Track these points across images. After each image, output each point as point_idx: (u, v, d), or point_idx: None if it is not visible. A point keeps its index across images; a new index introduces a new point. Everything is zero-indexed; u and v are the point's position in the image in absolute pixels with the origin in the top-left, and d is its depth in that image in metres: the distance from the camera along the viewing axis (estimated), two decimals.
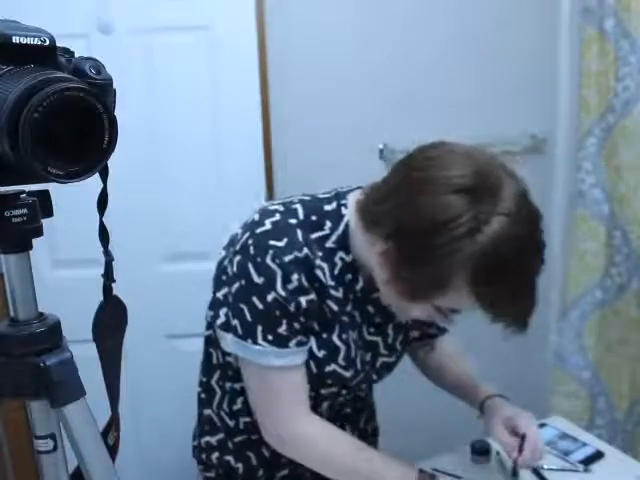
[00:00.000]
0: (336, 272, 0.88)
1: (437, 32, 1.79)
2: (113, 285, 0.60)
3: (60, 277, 1.71)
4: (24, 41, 0.45)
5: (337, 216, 0.88)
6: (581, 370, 1.87)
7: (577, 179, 1.84)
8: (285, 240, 0.83)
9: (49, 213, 0.53)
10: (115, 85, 0.51)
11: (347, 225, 0.87)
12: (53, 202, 0.53)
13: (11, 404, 0.57)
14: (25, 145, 0.42)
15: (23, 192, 0.51)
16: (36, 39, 0.46)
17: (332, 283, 0.87)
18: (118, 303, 0.61)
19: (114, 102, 0.51)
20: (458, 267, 0.72)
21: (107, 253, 0.58)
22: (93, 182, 0.51)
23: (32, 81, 0.43)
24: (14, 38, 0.45)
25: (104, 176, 0.55)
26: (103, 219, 0.57)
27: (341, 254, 0.88)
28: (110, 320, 0.61)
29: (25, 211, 0.50)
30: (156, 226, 1.72)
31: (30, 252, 0.53)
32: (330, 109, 1.80)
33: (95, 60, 0.50)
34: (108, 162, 0.48)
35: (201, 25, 1.63)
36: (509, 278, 0.72)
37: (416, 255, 0.74)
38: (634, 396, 1.84)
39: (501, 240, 0.70)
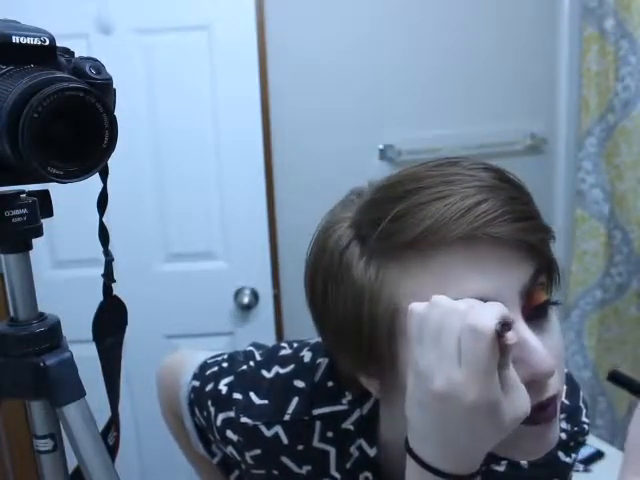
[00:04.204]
0: (348, 465, 0.65)
1: (437, 32, 1.79)
2: (113, 285, 0.60)
3: (60, 277, 1.71)
4: (24, 41, 0.45)
5: (363, 387, 0.61)
6: (581, 370, 1.88)
7: (577, 179, 1.84)
8: (265, 402, 0.66)
9: (49, 213, 0.53)
10: (115, 85, 0.51)
11: (377, 403, 0.64)
12: (53, 202, 0.53)
13: (11, 404, 0.57)
14: (25, 145, 0.41)
15: (23, 192, 0.51)
16: (36, 39, 0.46)
17: (337, 475, 0.66)
18: (118, 303, 0.61)
19: (114, 102, 0.51)
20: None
21: (107, 253, 0.58)
22: (93, 182, 0.51)
23: (32, 81, 0.43)
24: (14, 38, 0.44)
25: (104, 176, 0.55)
26: (103, 219, 0.57)
27: (361, 443, 0.65)
28: (110, 320, 0.60)
29: (25, 211, 0.50)
30: (156, 226, 1.72)
31: (30, 252, 0.53)
32: (330, 109, 1.80)
33: (95, 60, 0.50)
34: (108, 162, 0.48)
35: (201, 25, 1.63)
36: None
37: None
38: (634, 396, 1.84)
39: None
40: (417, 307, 0.47)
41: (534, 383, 0.48)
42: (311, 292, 0.58)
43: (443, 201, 0.48)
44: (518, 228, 0.49)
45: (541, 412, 0.49)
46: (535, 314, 0.51)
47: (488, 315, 0.42)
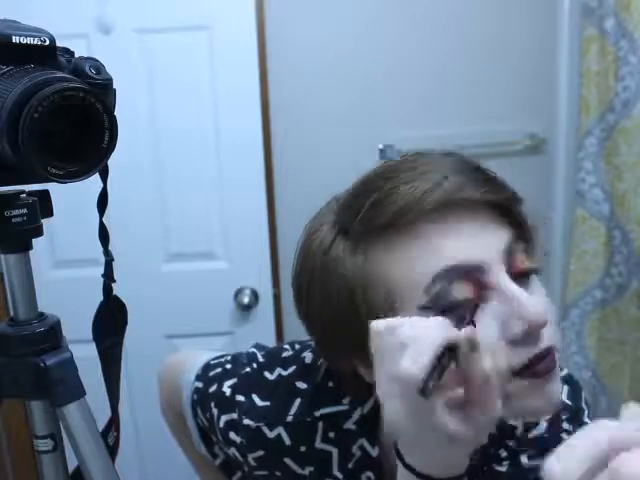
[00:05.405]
0: (350, 465, 0.65)
1: (437, 31, 1.79)
2: (113, 285, 0.60)
3: (60, 277, 1.71)
4: (24, 41, 0.45)
5: (366, 388, 0.60)
6: (581, 370, 1.87)
7: (577, 179, 1.84)
8: (267, 404, 0.67)
9: (49, 213, 0.53)
10: (115, 85, 0.51)
11: (377, 403, 0.66)
12: (53, 202, 0.53)
13: (11, 404, 0.57)
14: (25, 145, 0.42)
15: (23, 192, 0.51)
16: (36, 39, 0.46)
17: (339, 475, 0.66)
18: (118, 303, 0.61)
19: (114, 102, 0.51)
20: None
21: (107, 253, 0.58)
22: (93, 182, 0.51)
23: (32, 81, 0.43)
24: (14, 38, 0.45)
25: (104, 176, 0.55)
26: (103, 219, 0.57)
27: (363, 443, 0.64)
28: (110, 320, 0.60)
29: (25, 211, 0.50)
30: (156, 226, 1.72)
31: (30, 252, 0.53)
32: (330, 109, 1.80)
33: (95, 60, 0.50)
34: (108, 162, 0.48)
35: (201, 25, 1.63)
36: None
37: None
38: (635, 396, 1.84)
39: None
40: (377, 325, 0.46)
41: (528, 336, 0.49)
42: (305, 301, 0.58)
43: (415, 181, 0.51)
44: (488, 190, 0.51)
45: (539, 363, 0.50)
46: (518, 280, 0.51)
47: (416, 364, 0.41)
